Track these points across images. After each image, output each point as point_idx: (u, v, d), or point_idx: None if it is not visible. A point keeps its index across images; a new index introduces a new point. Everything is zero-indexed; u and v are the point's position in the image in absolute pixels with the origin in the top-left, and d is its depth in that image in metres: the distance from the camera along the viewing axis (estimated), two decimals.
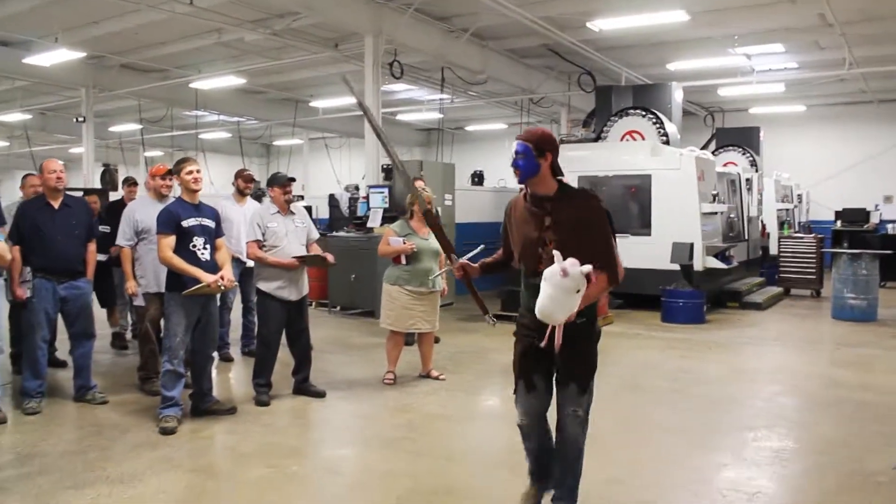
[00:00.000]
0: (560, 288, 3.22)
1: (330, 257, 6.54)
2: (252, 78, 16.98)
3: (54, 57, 13.60)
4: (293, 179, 6.67)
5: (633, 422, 5.86)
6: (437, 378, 7.10)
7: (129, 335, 8.68)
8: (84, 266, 6.18)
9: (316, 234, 6.75)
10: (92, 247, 6.30)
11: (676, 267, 10.94)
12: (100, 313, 7.23)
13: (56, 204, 6.08)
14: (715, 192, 11.83)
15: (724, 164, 15.85)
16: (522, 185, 3.60)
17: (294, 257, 6.25)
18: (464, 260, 3.93)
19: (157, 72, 17.05)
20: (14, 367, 6.91)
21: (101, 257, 7.02)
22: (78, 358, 6.23)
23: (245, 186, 7.93)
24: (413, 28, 12.65)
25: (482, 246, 4.65)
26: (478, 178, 18.46)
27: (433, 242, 6.75)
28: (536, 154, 3.46)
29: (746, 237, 13.95)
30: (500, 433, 5.49)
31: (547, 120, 20.70)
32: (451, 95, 17.31)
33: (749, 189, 14.33)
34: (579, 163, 11.96)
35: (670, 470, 4.74)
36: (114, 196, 11.95)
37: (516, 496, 3.84)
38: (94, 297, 6.57)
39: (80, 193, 9.36)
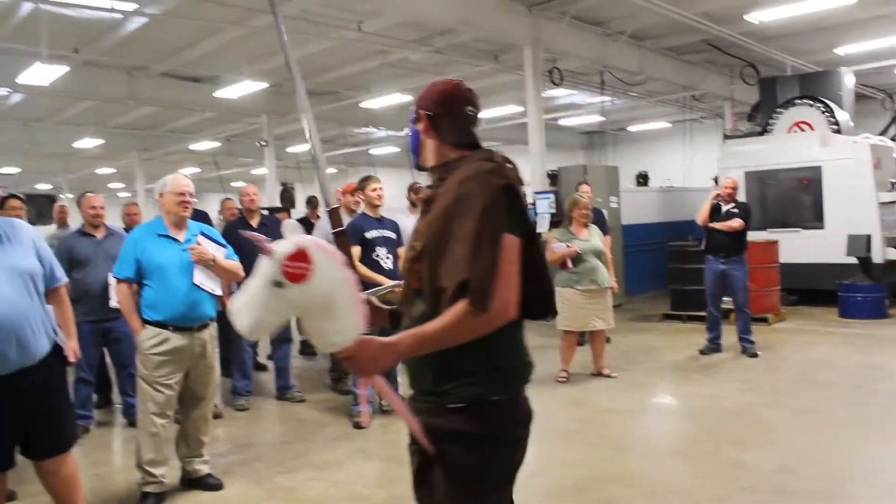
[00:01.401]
0: (260, 276, 2.01)
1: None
2: (418, 94, 17.67)
3: (240, 89, 14.79)
4: None
5: (808, 414, 5.83)
6: (608, 376, 7.30)
7: None
8: None
9: None
10: None
11: (853, 260, 10.55)
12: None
13: (254, 223, 6.80)
14: (894, 180, 11.29)
15: None
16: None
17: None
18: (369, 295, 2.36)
19: (329, 94, 18.09)
20: (223, 371, 7.72)
21: None
22: (278, 360, 6.93)
23: (417, 199, 8.43)
24: (570, 35, 12.84)
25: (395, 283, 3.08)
26: (643, 179, 18.35)
27: (594, 242, 7.05)
28: (414, 120, 2.44)
29: None
30: (670, 426, 5.66)
31: (711, 115, 20.28)
32: (611, 97, 17.34)
33: None
34: (746, 158, 11.75)
35: (844, 461, 4.75)
36: (294, 214, 12.92)
37: (685, 484, 4.02)
38: None
39: (266, 212, 10.26)
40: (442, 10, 10.99)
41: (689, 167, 18.57)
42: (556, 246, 7.15)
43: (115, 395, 6.68)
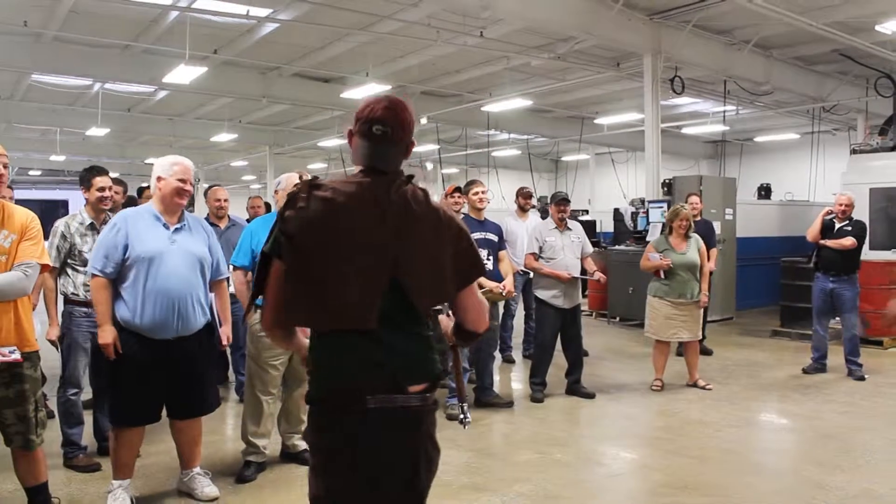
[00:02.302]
0: None
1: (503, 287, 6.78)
2: (539, 98, 17.84)
3: (366, 91, 15.34)
4: (568, 200, 7.15)
5: None
6: (703, 387, 7.31)
7: None
8: None
9: (590, 249, 7.27)
10: None
11: None
12: None
13: None
14: None
15: None
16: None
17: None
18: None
19: (453, 97, 18.49)
20: None
21: None
22: None
23: (525, 203, 8.63)
24: (692, 43, 12.73)
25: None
26: (764, 192, 17.86)
27: (690, 255, 7.09)
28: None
29: None
30: (757, 441, 5.67)
31: (844, 128, 19.53)
32: (735, 107, 16.99)
33: None
34: (872, 173, 11.33)
35: None
36: None
37: (759, 499, 4.07)
38: None
39: None
40: (562, 18, 11.14)
41: (815, 181, 17.95)
42: (652, 255, 7.25)
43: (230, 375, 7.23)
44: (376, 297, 2.18)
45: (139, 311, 3.99)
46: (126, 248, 3.99)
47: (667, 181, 12.89)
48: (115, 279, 4.04)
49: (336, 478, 2.20)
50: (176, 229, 4.16)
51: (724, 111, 16.63)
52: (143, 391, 4.07)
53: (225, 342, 4.53)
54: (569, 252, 6.92)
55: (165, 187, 4.14)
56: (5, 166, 3.56)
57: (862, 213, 8.23)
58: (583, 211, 21.33)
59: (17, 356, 3.35)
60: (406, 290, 2.20)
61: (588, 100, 18.97)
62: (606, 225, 19.62)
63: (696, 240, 7.41)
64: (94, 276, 4.05)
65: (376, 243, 2.22)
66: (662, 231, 7.67)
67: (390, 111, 2.34)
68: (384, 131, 2.31)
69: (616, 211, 16.31)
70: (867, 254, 8.77)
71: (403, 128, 2.37)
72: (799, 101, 17.31)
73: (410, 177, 2.39)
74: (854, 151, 13.56)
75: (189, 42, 11.49)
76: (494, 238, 6.49)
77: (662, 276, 7.22)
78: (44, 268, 3.67)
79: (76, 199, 11.86)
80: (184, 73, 12.55)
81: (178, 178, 4.14)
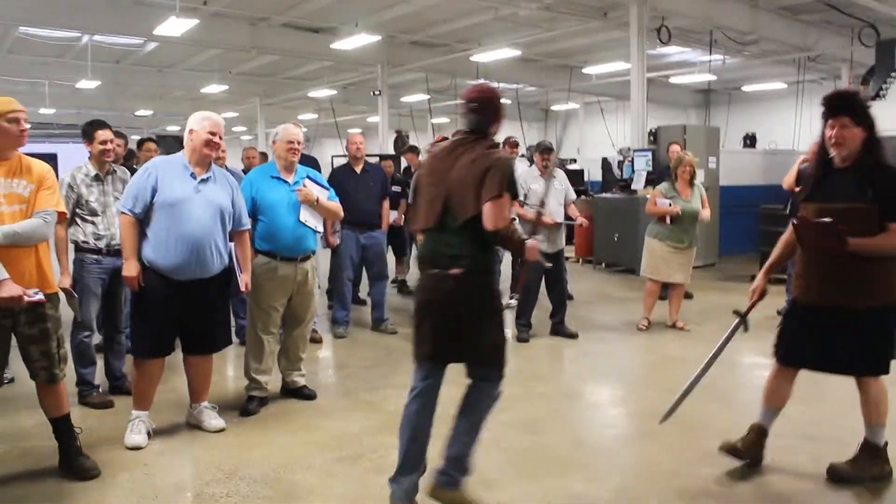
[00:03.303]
0: None
1: (583, 221, 7.36)
2: (527, 48, 17.94)
3: (355, 41, 15.45)
4: (551, 149, 7.41)
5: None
6: (681, 328, 7.69)
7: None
8: (380, 220, 7.51)
9: (573, 196, 7.58)
10: (386, 204, 7.62)
11: None
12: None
13: (358, 169, 7.44)
14: None
15: None
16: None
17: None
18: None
19: (442, 46, 18.56)
20: (329, 302, 8.49)
21: (393, 214, 8.40)
22: (375, 295, 7.65)
23: (512, 151, 8.89)
24: None
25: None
26: (750, 140, 18.13)
27: (695, 204, 7.41)
28: None
29: None
30: (730, 377, 6.04)
31: (830, 77, 19.71)
32: (722, 56, 17.15)
33: None
34: None
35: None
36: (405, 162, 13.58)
37: (718, 423, 4.44)
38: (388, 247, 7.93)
39: (376, 159, 10.97)
40: None
41: (800, 130, 18.20)
42: (661, 201, 7.56)
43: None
44: (433, 212, 3.46)
45: (161, 253, 4.33)
46: (154, 191, 4.32)
47: (652, 130, 13.13)
48: (143, 220, 4.36)
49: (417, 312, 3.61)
50: (203, 180, 4.46)
51: (710, 60, 16.81)
52: (161, 325, 4.44)
53: (243, 288, 4.80)
54: (553, 199, 7.21)
55: (196, 139, 4.44)
56: (26, 121, 3.80)
57: None
58: (571, 160, 21.53)
59: (40, 297, 3.64)
60: (448, 207, 3.40)
61: (576, 49, 19.06)
62: (595, 174, 19.85)
63: (699, 188, 7.70)
64: (123, 213, 4.38)
65: (439, 178, 3.48)
66: (656, 180, 7.94)
67: (476, 92, 3.57)
68: (472, 107, 3.51)
69: (604, 160, 16.58)
70: None
71: (485, 105, 3.52)
72: (785, 50, 17.44)
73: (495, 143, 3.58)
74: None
75: None
76: None
77: (668, 221, 7.54)
78: (60, 215, 3.94)
79: (65, 153, 12.01)
80: (174, 26, 12.65)
81: (209, 130, 4.44)
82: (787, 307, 4.19)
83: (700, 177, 11.67)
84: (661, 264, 7.65)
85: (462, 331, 3.50)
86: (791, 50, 17.19)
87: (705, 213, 7.77)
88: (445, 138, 6.92)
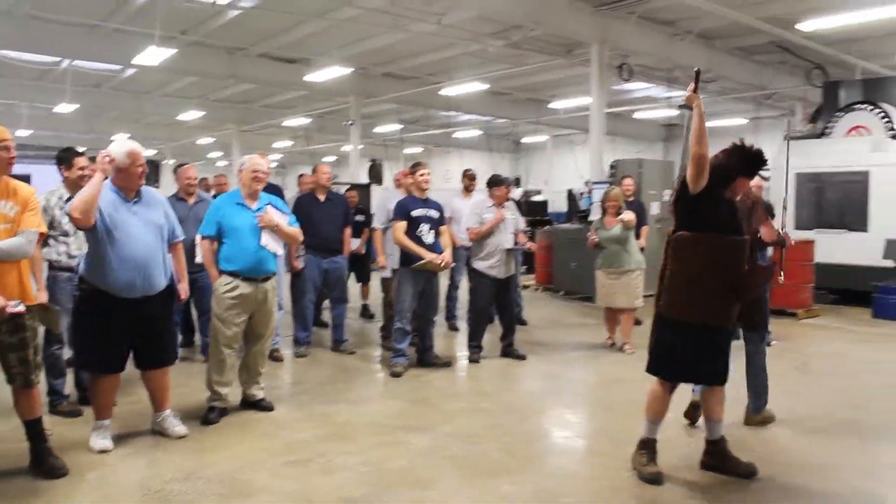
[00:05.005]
0: None
1: (530, 246, 7.89)
2: (496, 82, 18.55)
3: (329, 73, 15.95)
4: (498, 183, 7.83)
5: (787, 395, 6.54)
6: (626, 352, 8.14)
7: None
8: (341, 245, 7.94)
9: (522, 225, 8.07)
10: (348, 231, 8.05)
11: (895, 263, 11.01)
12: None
13: (322, 197, 7.87)
14: None
15: None
16: None
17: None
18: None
19: (413, 79, 19.14)
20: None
21: (356, 242, 8.85)
22: (335, 317, 8.05)
23: (469, 183, 9.37)
24: (637, 34, 13.52)
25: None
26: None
27: (614, 231, 7.95)
28: None
29: None
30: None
31: (789, 114, 20.47)
32: (683, 92, 17.77)
33: None
34: (799, 159, 12.20)
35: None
36: (376, 189, 14.05)
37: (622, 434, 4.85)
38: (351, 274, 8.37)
39: (346, 188, 11.42)
40: (511, 8, 11.87)
41: None
42: (590, 234, 8.18)
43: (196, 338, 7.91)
44: None
45: (109, 274, 4.66)
46: (100, 216, 4.63)
47: (612, 164, 13.69)
48: (91, 246, 4.70)
49: None
50: (135, 202, 4.84)
51: (670, 97, 17.48)
52: (111, 343, 4.77)
53: (183, 296, 5.23)
54: (504, 227, 7.67)
55: (122, 167, 4.74)
56: (14, 149, 4.21)
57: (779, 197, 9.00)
58: (535, 191, 22.10)
59: (21, 308, 4.04)
60: None
61: (544, 84, 19.70)
62: (560, 205, 20.44)
63: (625, 215, 8.18)
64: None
65: None
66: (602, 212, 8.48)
67: None
68: None
69: (569, 192, 17.15)
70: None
71: None
72: (743, 88, 18.19)
73: None
74: (786, 138, 14.46)
75: (159, 22, 12.02)
76: (436, 215, 7.21)
77: (598, 248, 8.23)
78: (40, 236, 4.34)
79: (39, 174, 12.30)
80: (153, 55, 13.07)
81: (138, 164, 4.78)
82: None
83: (656, 209, 12.38)
84: (603, 291, 8.26)
85: None
86: (748, 88, 17.94)
87: (621, 218, 8.11)
88: (413, 171, 7.42)
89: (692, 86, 4.16)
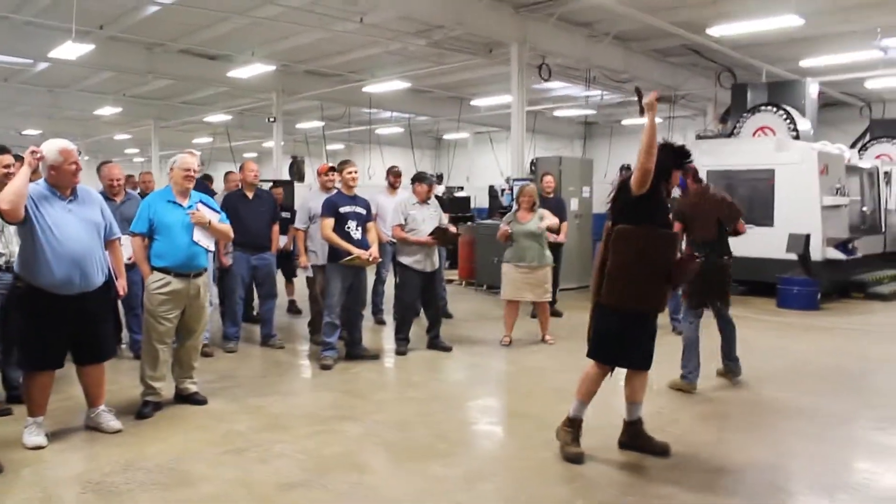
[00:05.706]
0: None
1: (452, 228, 8.13)
2: (418, 80, 18.77)
3: (251, 70, 15.91)
4: (422, 179, 8.10)
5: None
6: (547, 342, 8.47)
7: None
8: (270, 242, 8.05)
9: (445, 221, 8.29)
10: (276, 228, 8.17)
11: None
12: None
13: (250, 195, 7.97)
14: (839, 186, 12.36)
15: (877, 157, 15.97)
16: None
17: (429, 234, 7.79)
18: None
19: (335, 76, 19.20)
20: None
21: (283, 239, 8.95)
22: (264, 312, 8.16)
23: (394, 181, 9.52)
24: (556, 35, 13.92)
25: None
26: (627, 171, 19.35)
27: (529, 226, 8.19)
28: None
29: (884, 230, 14.20)
30: (573, 379, 6.83)
31: (701, 114, 21.30)
32: (600, 92, 18.38)
33: (888, 182, 14.54)
34: (709, 157, 12.80)
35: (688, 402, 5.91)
36: (298, 186, 14.10)
37: (552, 417, 5.14)
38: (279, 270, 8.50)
39: (269, 185, 11.47)
40: (433, 8, 12.10)
41: None
42: (501, 226, 8.41)
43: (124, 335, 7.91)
44: None
45: (45, 272, 4.70)
46: (34, 215, 4.67)
47: (533, 161, 14.06)
48: (27, 243, 4.72)
49: None
50: (70, 200, 4.89)
51: (588, 96, 18.01)
52: (49, 339, 4.82)
53: (121, 292, 5.33)
54: (429, 223, 7.89)
55: (54, 167, 4.80)
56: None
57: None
58: (458, 187, 22.41)
59: None
60: None
61: (465, 82, 19.99)
62: (482, 201, 20.79)
63: (539, 213, 8.47)
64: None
65: None
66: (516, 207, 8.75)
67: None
68: None
69: (491, 188, 17.47)
70: None
71: None
72: (657, 88, 18.76)
73: None
74: (698, 137, 15.15)
75: (75, 16, 11.77)
76: (363, 211, 7.38)
77: (510, 243, 8.33)
78: None
79: None
80: (70, 50, 12.81)
81: (71, 161, 4.84)
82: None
83: (575, 205, 12.79)
84: (511, 285, 8.41)
85: None
86: (662, 88, 18.55)
87: (544, 225, 8.36)
88: (332, 168, 7.57)
89: (651, 97, 4.40)
